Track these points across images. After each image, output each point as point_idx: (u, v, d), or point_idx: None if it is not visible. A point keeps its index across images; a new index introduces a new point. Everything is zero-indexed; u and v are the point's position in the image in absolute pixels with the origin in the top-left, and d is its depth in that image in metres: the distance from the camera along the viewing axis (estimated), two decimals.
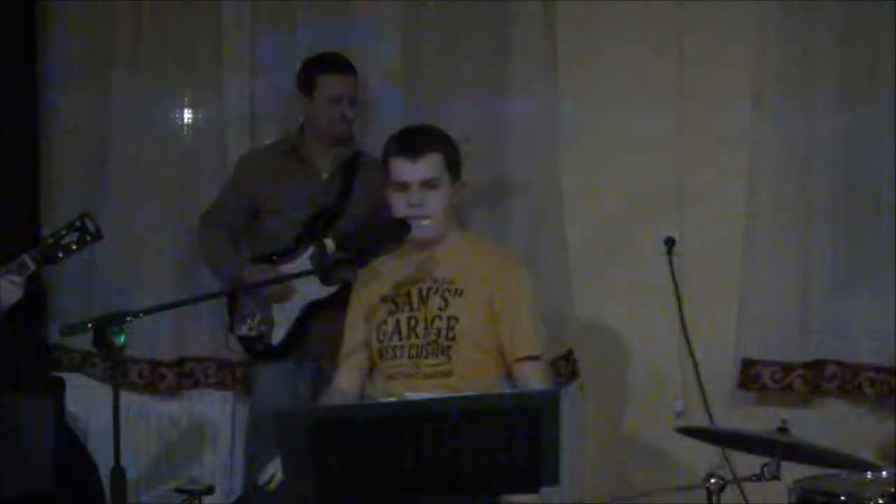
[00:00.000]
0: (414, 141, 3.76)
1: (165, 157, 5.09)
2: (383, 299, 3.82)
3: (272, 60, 5.02)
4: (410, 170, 3.72)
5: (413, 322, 3.77)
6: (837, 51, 4.62)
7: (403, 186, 3.73)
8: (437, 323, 3.75)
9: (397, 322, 3.78)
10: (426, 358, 3.74)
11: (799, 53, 4.64)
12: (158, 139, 5.10)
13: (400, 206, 3.75)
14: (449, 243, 3.83)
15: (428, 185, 3.72)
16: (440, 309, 3.76)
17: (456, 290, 3.77)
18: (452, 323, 3.74)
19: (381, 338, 3.80)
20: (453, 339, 3.73)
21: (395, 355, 3.78)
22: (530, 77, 4.83)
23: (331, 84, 4.61)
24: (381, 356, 3.80)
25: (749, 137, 4.71)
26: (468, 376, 3.71)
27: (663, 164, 4.80)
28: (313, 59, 4.69)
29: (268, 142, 4.96)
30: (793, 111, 4.65)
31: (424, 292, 3.79)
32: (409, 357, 3.76)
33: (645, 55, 4.81)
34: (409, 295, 3.80)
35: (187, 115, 5.11)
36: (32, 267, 3.97)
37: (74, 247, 3.99)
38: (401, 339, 3.77)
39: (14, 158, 5.13)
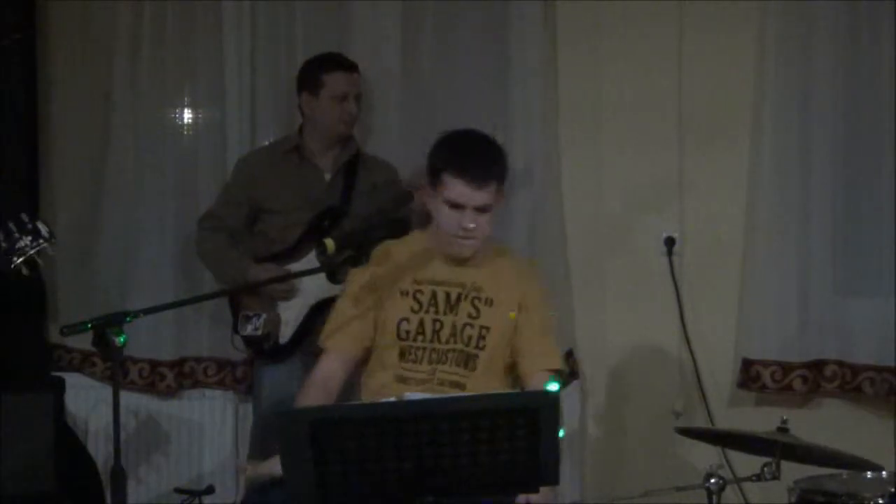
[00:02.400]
0: (481, 168, 3.64)
1: (165, 157, 5.09)
2: (402, 293, 3.74)
3: (272, 60, 5.02)
4: (470, 195, 3.62)
5: (438, 325, 3.71)
6: (837, 50, 4.62)
7: (458, 206, 3.64)
8: (469, 331, 3.70)
9: (421, 322, 3.71)
10: (444, 364, 3.69)
11: (799, 53, 4.64)
12: (158, 139, 5.10)
13: (450, 223, 3.66)
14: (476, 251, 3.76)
15: (481, 210, 3.65)
16: (471, 317, 3.70)
17: (486, 300, 3.72)
18: (484, 332, 3.70)
19: (405, 336, 3.71)
20: (483, 348, 3.69)
21: (417, 358, 3.70)
22: (530, 76, 4.83)
23: (337, 82, 4.61)
24: (401, 356, 3.72)
25: (749, 137, 4.72)
26: (482, 390, 3.61)
27: (663, 164, 4.80)
28: (317, 58, 4.68)
29: (267, 142, 4.96)
30: (793, 111, 4.66)
31: (453, 297, 3.72)
32: (429, 363, 3.69)
33: (645, 55, 4.81)
34: (434, 296, 3.73)
35: (187, 115, 5.11)
36: None
37: (29, 251, 3.88)
38: (425, 340, 3.70)
39: (14, 158, 5.13)
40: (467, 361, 3.69)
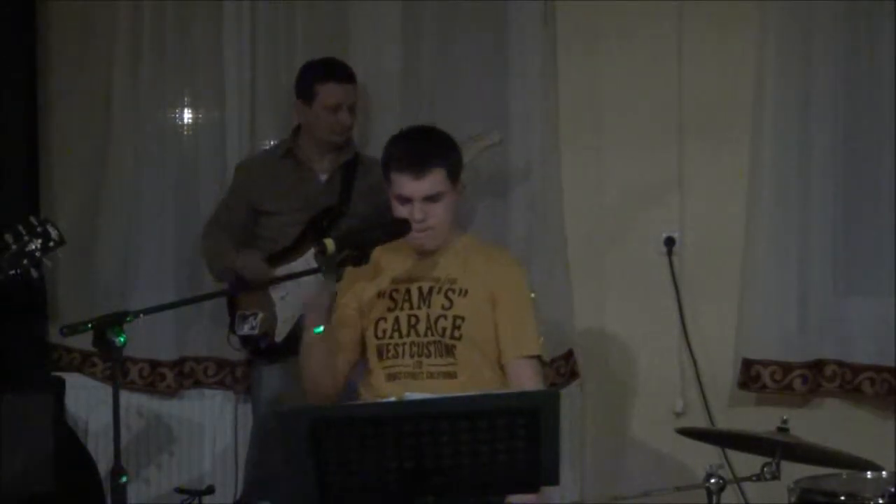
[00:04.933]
0: (418, 157, 3.66)
1: (165, 157, 5.09)
2: (380, 294, 3.78)
3: (272, 60, 5.02)
4: (413, 186, 3.65)
5: (413, 320, 3.73)
6: (837, 51, 4.62)
7: (406, 200, 3.67)
8: (442, 322, 3.71)
9: (396, 319, 3.74)
10: (429, 357, 3.71)
11: (799, 53, 4.64)
12: (158, 139, 5.10)
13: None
14: (449, 244, 3.80)
15: (430, 199, 3.67)
16: (445, 308, 3.72)
17: (460, 290, 3.73)
18: (458, 322, 3.70)
19: (380, 335, 3.75)
20: (459, 338, 3.70)
21: (397, 354, 3.73)
22: (530, 77, 4.83)
23: (329, 93, 4.59)
24: (379, 355, 3.75)
25: (749, 137, 4.72)
26: (473, 377, 3.67)
27: (663, 164, 4.80)
28: (312, 66, 4.67)
29: (267, 143, 4.96)
30: (793, 111, 4.66)
31: (426, 291, 3.75)
32: (412, 356, 3.71)
33: (645, 55, 4.81)
34: (408, 292, 3.75)
35: (187, 115, 5.12)
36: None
37: (38, 254, 3.86)
38: (401, 336, 3.72)
39: (14, 158, 5.13)
40: (449, 351, 3.70)
